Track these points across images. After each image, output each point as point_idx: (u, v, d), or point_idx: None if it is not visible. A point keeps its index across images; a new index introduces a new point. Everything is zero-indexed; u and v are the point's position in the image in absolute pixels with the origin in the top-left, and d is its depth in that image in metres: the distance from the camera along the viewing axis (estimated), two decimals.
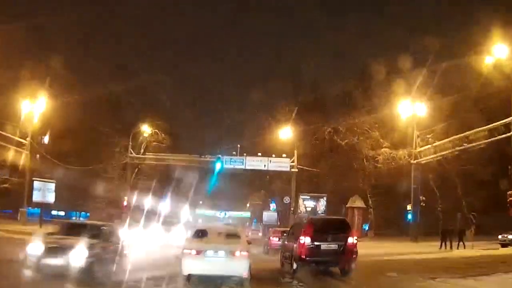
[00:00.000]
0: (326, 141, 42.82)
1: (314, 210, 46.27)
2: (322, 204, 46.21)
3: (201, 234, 11.83)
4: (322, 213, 46.05)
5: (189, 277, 11.06)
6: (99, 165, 46.07)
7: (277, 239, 23.85)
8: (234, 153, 44.93)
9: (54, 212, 62.44)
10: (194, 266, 10.78)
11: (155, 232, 30.56)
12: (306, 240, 13.62)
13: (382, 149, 39.23)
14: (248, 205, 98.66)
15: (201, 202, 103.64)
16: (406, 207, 38.31)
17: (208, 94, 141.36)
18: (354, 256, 13.90)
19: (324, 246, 13.73)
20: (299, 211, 45.83)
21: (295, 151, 45.29)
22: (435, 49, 35.52)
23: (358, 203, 40.46)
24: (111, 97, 48.53)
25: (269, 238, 27.36)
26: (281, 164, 45.23)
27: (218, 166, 44.07)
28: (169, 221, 40.33)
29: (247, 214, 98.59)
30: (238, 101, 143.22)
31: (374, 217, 42.09)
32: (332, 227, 14.69)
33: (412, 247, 29.48)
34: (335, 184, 44.52)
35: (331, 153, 43.34)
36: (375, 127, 39.52)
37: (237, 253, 10.74)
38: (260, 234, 51.25)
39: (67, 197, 56.47)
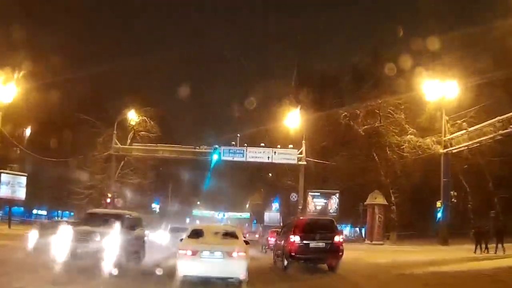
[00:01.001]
0: (340, 128, 36.76)
1: (325, 208, 40.26)
2: (334, 202, 40.21)
3: (197, 234, 11.28)
4: (334, 212, 40.07)
5: (184, 279, 10.47)
6: (79, 156, 40.20)
7: (274, 239, 23.76)
8: (234, 143, 38.93)
9: (40, 212, 57.56)
10: (189, 267, 10.33)
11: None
12: (295, 238, 14.58)
13: (408, 136, 33.19)
14: (247, 205, 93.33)
15: (198, 202, 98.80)
16: (435, 204, 32.39)
17: (204, 77, 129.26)
18: (340, 253, 14.84)
19: (312, 244, 14.61)
20: (308, 209, 39.85)
21: (303, 142, 39.40)
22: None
23: (379, 199, 34.46)
24: (95, 82, 42.73)
25: (267, 238, 28.80)
26: (287, 156, 39.23)
27: (215, 157, 38.13)
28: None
29: (246, 215, 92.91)
30: (239, 85, 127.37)
31: (397, 216, 36.09)
32: (320, 227, 15.45)
33: (445, 252, 23.92)
34: (350, 179, 38.57)
35: (346, 142, 37.30)
36: (400, 108, 33.42)
37: (234, 253, 10.28)
38: (257, 236, 47.39)
39: (49, 195, 50.89)
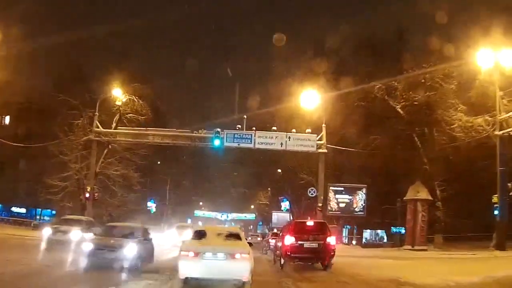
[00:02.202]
0: (371, 106, 29.36)
1: (349, 206, 33.00)
2: (360, 198, 32.94)
3: (199, 235, 11.08)
4: (360, 211, 32.87)
5: (186, 281, 10.15)
6: (52, 142, 33.11)
7: (274, 240, 24.01)
8: (239, 127, 31.71)
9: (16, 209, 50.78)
10: (191, 268, 9.99)
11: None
12: (291, 239, 15.91)
13: (458, 114, 25.81)
14: (252, 206, 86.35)
15: (201, 203, 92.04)
16: (489, 200, 25.21)
17: (203, 50, 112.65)
18: (332, 253, 16.04)
19: (306, 244, 15.79)
20: (329, 207, 32.57)
21: (323, 125, 32.14)
22: None
23: (423, 193, 27.07)
24: (74, 57, 35.88)
25: (267, 240, 30.11)
26: (304, 142, 31.86)
27: (216, 143, 30.94)
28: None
29: (251, 216, 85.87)
30: (244, 54, 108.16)
31: (443, 214, 28.64)
32: (313, 228, 16.71)
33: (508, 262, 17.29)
34: (380, 170, 31.39)
35: (378, 124, 29.93)
36: (451, 76, 25.90)
37: (237, 255, 9.97)
38: (260, 239, 43.40)
39: (28, 191, 44.18)
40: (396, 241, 36.47)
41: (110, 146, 34.76)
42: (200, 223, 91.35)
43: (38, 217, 46.38)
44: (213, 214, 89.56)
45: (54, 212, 44.83)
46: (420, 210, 27.02)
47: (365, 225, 37.08)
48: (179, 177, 62.32)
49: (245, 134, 31.42)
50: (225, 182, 79.93)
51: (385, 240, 43.28)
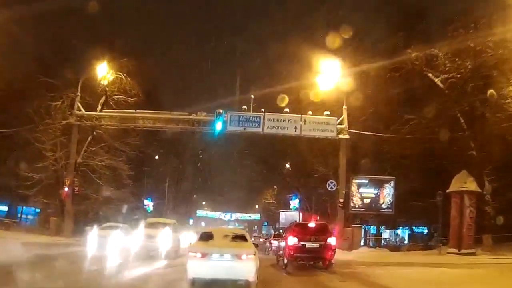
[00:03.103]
0: (405, 81, 24.14)
1: (375, 202, 27.74)
2: (388, 193, 27.66)
3: (206, 236, 11.11)
4: (388, 208, 27.64)
5: (194, 281, 10.25)
6: (26, 127, 28.00)
7: (277, 242, 23.95)
8: (245, 108, 26.60)
9: None
10: (199, 269, 10.11)
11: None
12: (294, 240, 16.12)
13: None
14: (257, 206, 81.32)
15: (204, 202, 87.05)
16: None
17: (202, 19, 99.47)
18: (332, 253, 16.33)
19: (308, 245, 16.07)
20: (352, 204, 27.31)
21: (344, 107, 27.02)
22: None
23: (470, 185, 21.68)
24: (54, 30, 30.82)
25: (270, 241, 31.15)
26: (322, 126, 26.67)
27: (218, 127, 25.83)
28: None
29: (256, 216, 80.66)
30: (250, 28, 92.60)
31: (493, 209, 23.27)
32: (314, 229, 16.88)
33: None
34: (416, 159, 26.19)
35: (412, 103, 24.67)
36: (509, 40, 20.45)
37: (243, 256, 10.03)
38: (262, 240, 39.98)
39: (10, 186, 38.99)
40: (418, 242, 31.55)
41: (94, 133, 29.71)
42: (203, 223, 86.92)
43: (19, 215, 41.20)
44: (216, 214, 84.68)
45: (38, 210, 39.81)
46: (467, 205, 21.68)
47: (388, 224, 31.79)
48: (179, 174, 57.29)
49: (253, 116, 26.28)
50: (229, 179, 75.20)
51: (405, 241, 38.24)
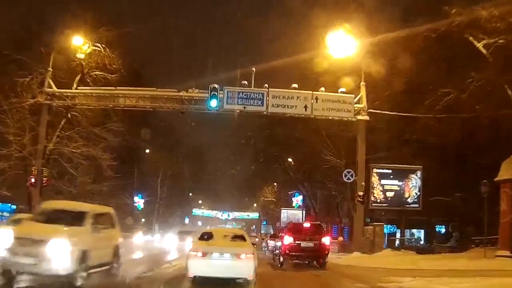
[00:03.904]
0: (439, 47, 19.64)
1: (399, 195, 23.24)
2: (414, 185, 23.19)
3: (207, 236, 11.38)
4: (414, 202, 23.19)
5: (195, 279, 10.40)
6: None
7: (273, 241, 24.50)
8: (245, 83, 22.06)
9: None
10: (200, 268, 10.27)
11: None
12: (289, 239, 16.60)
13: None
14: (255, 205, 76.95)
15: (200, 201, 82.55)
16: None
17: None
18: (326, 252, 16.84)
19: (303, 244, 16.44)
20: (373, 198, 22.76)
21: (362, 84, 22.58)
22: None
23: None
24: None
25: (267, 241, 31.18)
26: (337, 104, 22.03)
27: (213, 104, 21.29)
28: None
29: (255, 214, 76.07)
30: None
31: None
32: (309, 229, 17.38)
33: None
34: (450, 143, 21.70)
35: (451, 74, 20.15)
36: None
37: (243, 255, 10.24)
38: (257, 240, 39.13)
39: None
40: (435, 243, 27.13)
41: (69, 115, 25.09)
42: (199, 222, 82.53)
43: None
44: (213, 213, 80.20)
45: (14, 206, 35.12)
46: None
47: (412, 223, 27.24)
48: (173, 168, 52.71)
49: (254, 92, 21.70)
50: (226, 176, 71.04)
51: (421, 242, 33.76)
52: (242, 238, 11.38)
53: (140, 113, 33.12)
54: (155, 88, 22.96)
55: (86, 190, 27.40)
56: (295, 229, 17.46)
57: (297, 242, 16.43)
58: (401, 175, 23.07)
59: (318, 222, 20.38)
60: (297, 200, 46.03)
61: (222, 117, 22.20)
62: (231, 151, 48.61)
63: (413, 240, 35.54)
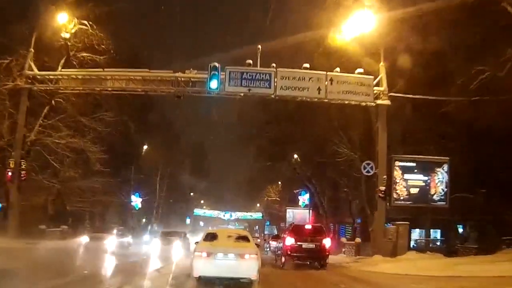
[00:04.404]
0: (471, 21, 16.75)
1: (424, 192, 20.31)
2: (441, 179, 20.27)
3: (211, 237, 11.32)
4: (441, 200, 20.31)
5: (199, 279, 10.41)
6: None
7: (275, 243, 24.56)
8: (250, 62, 19.25)
9: None
10: (204, 268, 10.29)
11: None
12: (291, 240, 16.97)
13: None
14: (258, 205, 74.29)
15: (202, 201, 79.78)
16: None
17: None
18: (327, 253, 17.07)
19: (304, 245, 16.80)
20: (395, 195, 19.85)
21: (381, 65, 19.78)
22: None
23: None
24: None
25: (269, 241, 30.51)
26: (355, 87, 19.20)
27: (213, 85, 18.50)
28: None
29: (258, 215, 73.16)
30: None
31: None
32: (311, 231, 17.72)
33: None
34: (485, 127, 18.78)
35: (486, 48, 17.25)
36: None
37: (247, 255, 10.28)
38: (259, 240, 35.68)
39: None
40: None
41: (53, 102, 22.33)
42: (201, 223, 79.74)
43: None
44: (215, 213, 77.33)
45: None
46: None
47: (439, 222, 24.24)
48: (172, 166, 49.93)
49: (260, 73, 18.87)
50: (229, 174, 68.47)
51: (438, 243, 30.77)
52: (246, 238, 11.47)
53: (137, 105, 30.50)
54: (147, 69, 20.12)
55: (73, 186, 24.60)
56: (297, 230, 17.85)
57: (298, 243, 16.85)
58: (426, 169, 20.13)
59: (319, 224, 20.65)
60: (304, 198, 43.06)
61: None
62: (234, 148, 45.80)
63: (430, 241, 32.63)
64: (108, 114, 24.85)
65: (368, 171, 19.46)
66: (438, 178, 20.27)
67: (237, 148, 43.09)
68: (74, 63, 22.17)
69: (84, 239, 20.39)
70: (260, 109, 33.54)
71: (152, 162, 44.91)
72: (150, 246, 23.83)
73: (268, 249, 28.81)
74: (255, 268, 10.21)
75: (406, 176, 19.93)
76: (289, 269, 16.70)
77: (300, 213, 44.27)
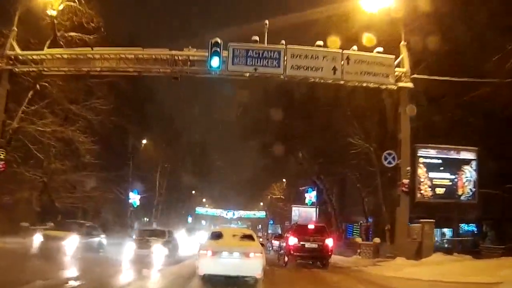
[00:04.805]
0: None
1: (451, 191, 17.98)
2: (469, 178, 17.94)
3: (216, 236, 11.45)
4: (469, 195, 17.96)
5: (204, 277, 10.46)
6: None
7: (278, 242, 26.34)
8: (257, 39, 16.96)
9: None
10: (210, 266, 10.33)
11: None
12: (294, 240, 17.13)
13: None
14: (261, 203, 72.11)
15: (204, 200, 77.45)
16: None
17: None
18: (329, 253, 17.17)
19: (307, 245, 16.91)
20: (420, 191, 17.47)
21: (402, 44, 17.51)
22: None
23: None
24: None
25: (271, 241, 31.50)
26: (374, 67, 16.94)
27: (214, 63, 16.22)
28: None
29: (261, 213, 70.86)
30: None
31: None
32: (313, 231, 17.71)
33: None
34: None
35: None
36: None
37: (251, 254, 10.32)
38: (261, 239, 31.46)
39: None
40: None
41: (38, 87, 20.06)
42: (203, 222, 77.42)
43: None
44: (217, 212, 75.06)
45: None
46: None
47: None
48: (172, 162, 47.64)
49: (268, 50, 16.57)
50: (231, 171, 66.38)
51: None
52: (250, 237, 11.55)
53: (131, 93, 28.28)
54: (140, 48, 17.82)
55: (62, 180, 22.35)
56: (300, 230, 17.96)
57: (301, 243, 16.96)
58: (453, 166, 17.80)
59: (322, 224, 20.81)
60: (310, 196, 40.80)
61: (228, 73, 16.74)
62: (237, 145, 43.61)
63: (445, 240, 30.27)
64: (100, 102, 22.57)
65: (389, 162, 17.10)
66: (466, 177, 18.00)
67: (240, 145, 40.83)
68: (62, 43, 19.88)
69: (37, 238, 14.77)
70: (265, 103, 31.41)
71: (151, 158, 42.67)
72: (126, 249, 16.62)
73: (270, 249, 28.69)
74: (260, 266, 10.25)
75: (431, 174, 17.61)
76: (292, 268, 16.73)
77: (306, 211, 42.02)
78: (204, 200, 77.56)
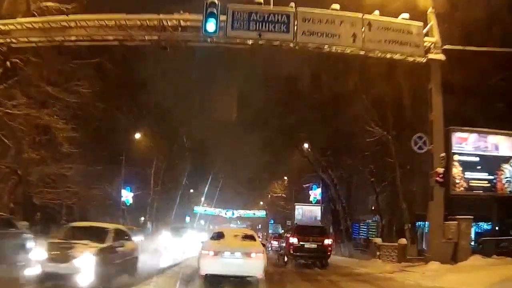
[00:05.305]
0: None
1: (493, 188, 15.20)
2: (509, 178, 15.12)
3: (218, 236, 11.48)
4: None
5: (206, 277, 10.42)
6: None
7: (277, 242, 28.41)
8: (261, 1, 14.20)
9: None
10: (211, 266, 10.32)
11: None
12: (294, 240, 17.69)
13: None
14: (261, 203, 69.65)
15: (202, 199, 74.59)
16: None
17: None
18: (328, 253, 17.86)
19: (307, 245, 17.48)
20: (456, 184, 14.64)
21: (431, 11, 14.74)
22: None
23: None
24: None
25: (270, 241, 32.45)
26: (399, 35, 14.19)
27: (210, 27, 13.45)
28: None
29: (261, 213, 68.03)
30: None
31: None
32: (313, 231, 18.45)
33: None
34: None
35: None
36: None
37: (253, 254, 10.35)
38: (260, 239, 28.90)
39: None
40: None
41: (8, 63, 17.21)
42: (202, 221, 74.63)
43: None
44: (216, 211, 72.35)
45: None
46: None
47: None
48: (170, 160, 44.82)
49: (275, 13, 13.77)
50: (231, 168, 63.99)
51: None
52: (252, 237, 11.51)
53: (119, 76, 25.41)
54: (124, 14, 14.97)
55: (39, 172, 19.46)
56: (300, 230, 18.34)
57: (301, 243, 17.45)
58: (491, 164, 14.99)
59: (321, 225, 21.43)
60: (315, 193, 38.00)
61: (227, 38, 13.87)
62: (236, 143, 40.95)
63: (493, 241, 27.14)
64: (83, 85, 19.67)
65: (420, 147, 14.29)
66: (506, 178, 15.18)
67: (240, 141, 38.21)
68: (35, 12, 17.04)
69: None
70: (267, 89, 28.72)
71: (146, 153, 39.80)
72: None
73: (270, 249, 28.76)
74: (261, 266, 10.23)
75: (468, 174, 14.75)
76: (291, 268, 17.13)
77: (310, 210, 39.17)
78: (202, 199, 74.83)
